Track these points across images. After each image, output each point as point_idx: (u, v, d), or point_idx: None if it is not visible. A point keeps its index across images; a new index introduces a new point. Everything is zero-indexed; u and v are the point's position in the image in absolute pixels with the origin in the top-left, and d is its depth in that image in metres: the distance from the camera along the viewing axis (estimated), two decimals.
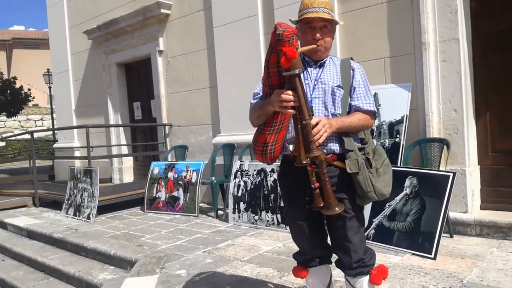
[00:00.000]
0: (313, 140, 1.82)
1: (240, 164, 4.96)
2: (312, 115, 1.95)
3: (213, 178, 5.35)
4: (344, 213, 1.98)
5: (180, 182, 5.59)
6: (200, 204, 5.57)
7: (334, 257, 2.18)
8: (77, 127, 8.33)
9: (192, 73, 6.44)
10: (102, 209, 5.66)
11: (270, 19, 5.19)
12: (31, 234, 5.32)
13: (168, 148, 6.75)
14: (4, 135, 22.40)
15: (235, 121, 5.66)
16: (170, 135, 6.87)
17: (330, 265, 2.26)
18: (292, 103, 1.80)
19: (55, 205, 6.59)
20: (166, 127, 6.85)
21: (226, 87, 5.78)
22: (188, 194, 5.47)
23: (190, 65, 6.44)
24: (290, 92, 1.80)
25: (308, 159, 1.85)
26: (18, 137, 13.43)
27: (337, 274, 2.64)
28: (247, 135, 5.40)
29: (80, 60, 8.64)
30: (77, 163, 7.87)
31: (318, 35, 2.00)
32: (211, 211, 5.45)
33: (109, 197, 5.84)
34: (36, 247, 4.87)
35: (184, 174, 5.61)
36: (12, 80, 18.62)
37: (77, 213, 5.62)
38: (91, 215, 5.37)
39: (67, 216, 5.76)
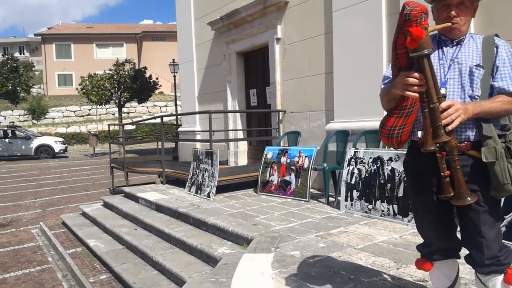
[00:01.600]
0: (440, 125, 1.71)
1: (355, 151, 4.86)
2: (445, 97, 1.82)
3: (325, 165, 5.35)
4: (476, 205, 1.83)
5: (292, 167, 5.70)
6: (311, 190, 5.61)
7: (464, 252, 2.04)
8: (201, 112, 8.91)
9: (308, 59, 6.46)
10: (220, 189, 6.02)
11: (395, 0, 4.94)
12: (159, 208, 5.90)
13: (281, 134, 6.90)
14: (134, 119, 25.13)
15: (350, 108, 5.56)
16: (284, 121, 7.01)
17: (457, 259, 2.12)
18: (417, 87, 1.71)
19: (178, 183, 7.22)
20: (280, 113, 7.01)
21: (342, 72, 5.68)
22: (299, 179, 5.54)
23: (306, 51, 6.46)
24: (416, 74, 1.71)
25: (437, 145, 1.74)
26: (148, 121, 14.89)
27: (462, 271, 2.46)
28: (362, 122, 5.27)
29: (203, 50, 9.23)
30: (198, 146, 8.48)
31: (453, 12, 1.86)
32: (321, 197, 5.46)
33: (226, 178, 6.20)
34: (163, 220, 5.38)
35: (296, 159, 5.69)
36: (143, 69, 20.66)
37: (199, 191, 6.08)
38: (211, 194, 5.77)
39: (189, 193, 6.26)
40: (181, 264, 4.03)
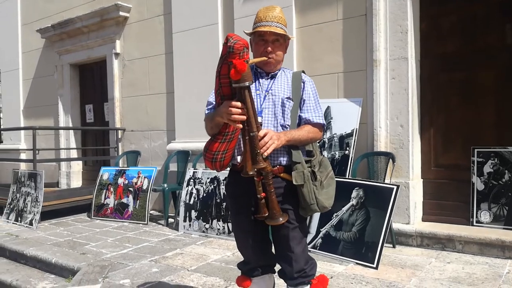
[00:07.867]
0: (259, 152, 1.84)
1: (194, 172, 4.91)
2: (261, 125, 1.97)
3: (165, 185, 5.26)
4: (287, 223, 2.00)
5: (130, 188, 5.45)
6: (151, 212, 5.45)
7: (278, 267, 2.19)
8: (23, 128, 7.95)
9: (148, 77, 6.33)
10: (47, 215, 5.43)
11: (230, 28, 5.21)
12: None
13: (120, 153, 6.57)
14: None
15: (190, 128, 5.61)
16: (123, 140, 6.70)
17: (273, 274, 2.27)
18: (239, 116, 1.81)
19: None
20: (119, 131, 6.68)
21: (183, 93, 5.72)
22: (138, 201, 5.34)
23: (147, 69, 6.34)
24: (238, 104, 1.82)
25: (255, 170, 1.86)
26: None
27: (282, 283, 2.65)
28: (202, 143, 5.32)
29: (31, 59, 8.29)
30: (23, 166, 7.51)
31: (269, 48, 2.03)
32: (161, 219, 5.35)
33: (54, 203, 5.58)
34: None
35: (135, 180, 5.47)
36: None
37: (19, 219, 5.33)
38: (33, 221, 5.12)
39: (7, 222, 5.45)
40: None
